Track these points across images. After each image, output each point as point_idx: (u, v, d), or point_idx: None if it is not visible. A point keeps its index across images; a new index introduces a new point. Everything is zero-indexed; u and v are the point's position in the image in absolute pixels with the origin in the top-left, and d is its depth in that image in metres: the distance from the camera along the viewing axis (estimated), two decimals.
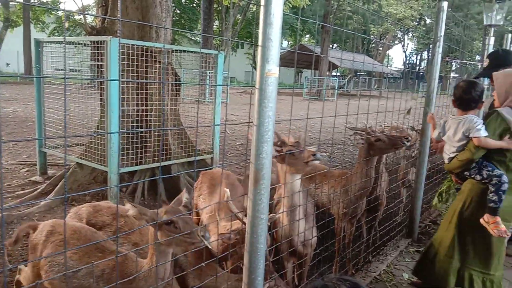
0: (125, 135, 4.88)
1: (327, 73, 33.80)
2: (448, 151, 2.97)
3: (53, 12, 31.44)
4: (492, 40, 8.78)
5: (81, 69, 7.33)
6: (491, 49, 6.78)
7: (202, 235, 1.97)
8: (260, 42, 1.82)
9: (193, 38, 38.01)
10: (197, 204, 3.41)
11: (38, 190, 5.35)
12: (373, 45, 55.31)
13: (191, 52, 5.84)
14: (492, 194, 2.69)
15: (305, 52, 29.46)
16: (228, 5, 28.98)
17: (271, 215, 2.34)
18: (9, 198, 5.11)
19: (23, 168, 6.55)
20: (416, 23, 50.05)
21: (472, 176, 2.80)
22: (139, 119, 5.06)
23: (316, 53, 30.12)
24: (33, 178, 5.90)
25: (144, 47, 4.87)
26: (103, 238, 2.25)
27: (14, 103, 15.59)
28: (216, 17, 36.04)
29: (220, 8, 34.81)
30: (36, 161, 6.10)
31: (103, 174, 5.34)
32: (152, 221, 1.97)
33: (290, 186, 2.64)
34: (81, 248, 2.09)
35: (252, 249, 1.97)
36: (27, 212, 4.73)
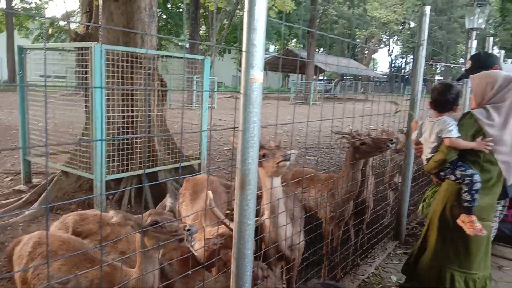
0: (111, 142, 4.84)
1: (314, 77, 34.00)
2: (426, 152, 3.02)
3: (37, 18, 31.10)
4: (474, 43, 8.94)
5: (66, 75, 7.25)
6: (473, 52, 6.90)
7: (188, 229, 1.97)
8: (244, 48, 1.82)
9: (179, 44, 37.94)
10: (180, 212, 3.39)
11: (23, 199, 5.26)
12: (359, 49, 55.88)
13: (177, 57, 5.83)
14: (466, 193, 2.73)
15: (290, 57, 29.58)
16: (215, 10, 29.00)
17: (256, 218, 2.34)
18: None
19: (7, 177, 6.44)
20: (401, 27, 50.78)
21: (447, 176, 2.85)
22: (125, 125, 5.01)
23: (302, 57, 30.29)
24: (17, 187, 5.80)
25: (130, 53, 4.84)
26: (97, 251, 2.21)
27: None
28: (203, 22, 36.05)
29: (207, 13, 34.83)
30: (20, 170, 6.00)
31: (88, 182, 5.27)
32: (137, 226, 1.95)
33: (270, 191, 2.64)
34: (69, 260, 2.05)
35: (240, 255, 1.95)
36: (12, 221, 4.65)
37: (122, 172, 4.88)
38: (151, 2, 5.26)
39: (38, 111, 5.51)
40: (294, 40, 55.97)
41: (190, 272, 2.03)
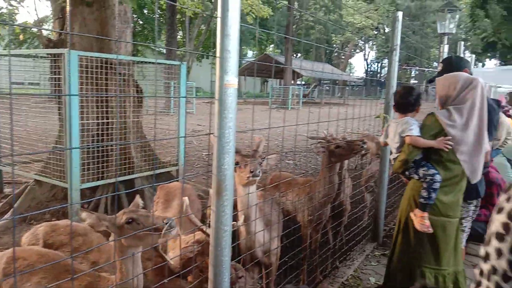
0: (86, 150, 4.74)
1: (292, 82, 34.28)
2: (392, 153, 3.11)
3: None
4: (446, 47, 9.18)
5: (40, 82, 7.09)
6: (446, 56, 7.10)
7: (166, 222, 1.94)
8: (218, 54, 1.82)
9: (156, 49, 37.69)
10: None
11: None
12: (336, 54, 56.66)
13: (151, 63, 5.77)
14: (424, 190, 2.81)
15: (266, 63, 29.76)
16: (192, 16, 28.97)
17: (232, 223, 2.33)
18: None
19: None
20: (376, 32, 51.76)
21: (412, 175, 2.94)
22: (100, 132, 4.93)
23: (278, 63, 30.50)
24: None
25: (104, 59, 4.77)
26: (74, 262, 2.15)
27: None
28: (180, 27, 35.92)
29: (184, 19, 34.74)
30: None
31: (63, 191, 5.15)
32: (112, 226, 1.93)
33: (243, 198, 2.63)
34: (49, 273, 1.99)
35: (217, 262, 1.94)
36: None
37: (98, 180, 4.79)
38: (125, 8, 5.21)
39: (9, 119, 5.35)
40: (272, 46, 56.36)
41: (166, 281, 2.00)
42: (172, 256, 2.31)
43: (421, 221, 2.82)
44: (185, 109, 5.53)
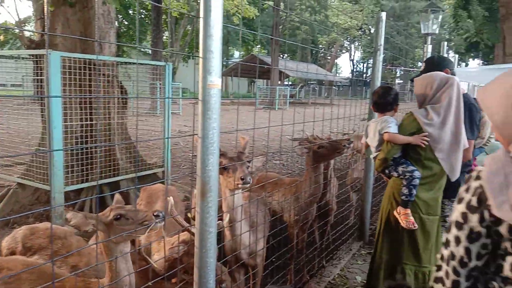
0: (69, 152, 4.68)
1: (279, 83, 34.33)
2: (372, 152, 3.15)
3: None
4: (429, 47, 9.29)
5: (23, 84, 6.97)
6: (429, 56, 7.17)
7: (156, 215, 1.95)
8: (201, 54, 1.81)
9: (142, 50, 37.39)
10: None
11: None
12: (322, 54, 56.96)
13: (135, 64, 5.73)
14: (404, 187, 2.85)
15: (251, 63, 29.75)
16: (178, 16, 28.83)
17: (218, 222, 2.32)
18: None
19: None
20: (361, 32, 52.20)
21: (391, 173, 2.98)
22: (84, 134, 4.86)
23: (262, 63, 30.53)
24: None
25: (88, 60, 4.71)
26: (61, 271, 2.10)
27: None
28: (166, 28, 35.68)
29: (170, 19, 34.52)
30: None
31: (47, 194, 5.07)
32: (99, 223, 1.92)
33: (228, 200, 2.62)
34: (37, 281, 1.95)
35: (202, 264, 1.93)
36: None
37: (82, 182, 4.73)
38: (109, 8, 5.15)
39: None
40: (258, 46, 56.39)
41: (150, 283, 1.98)
42: (157, 258, 2.29)
43: (405, 218, 2.85)
44: (170, 110, 5.48)
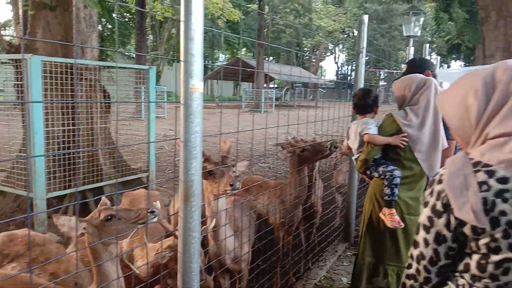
0: (51, 158, 4.60)
1: (265, 85, 34.38)
2: (354, 154, 3.18)
3: None
4: (412, 50, 9.43)
5: (3, 89, 6.84)
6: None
7: (151, 211, 1.94)
8: (182, 58, 1.80)
9: (126, 53, 37.08)
10: None
11: None
12: (307, 57, 57.32)
13: (116, 67, 5.67)
14: (386, 187, 2.88)
15: (233, 66, 29.79)
16: (162, 20, 28.67)
17: (204, 227, 2.30)
18: None
19: None
20: (345, 35, 52.70)
21: (372, 174, 3.01)
22: (66, 140, 4.79)
23: (244, 67, 30.58)
24: None
25: (69, 64, 4.64)
26: (39, 280, 2.05)
27: None
28: (150, 31, 35.46)
29: (154, 22, 34.33)
30: None
31: (28, 201, 4.98)
32: (90, 227, 1.91)
33: (212, 205, 2.60)
34: None
35: (186, 269, 1.91)
36: None
37: (65, 188, 4.65)
38: (90, 12, 5.10)
39: None
40: (244, 49, 56.46)
41: None
42: (141, 264, 2.26)
43: (390, 217, 2.87)
44: (154, 114, 5.44)
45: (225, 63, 41.60)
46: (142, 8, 18.80)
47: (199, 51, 1.81)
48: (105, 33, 34.39)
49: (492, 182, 1.02)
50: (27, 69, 4.06)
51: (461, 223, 1.06)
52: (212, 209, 2.59)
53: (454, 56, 44.31)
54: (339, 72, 68.03)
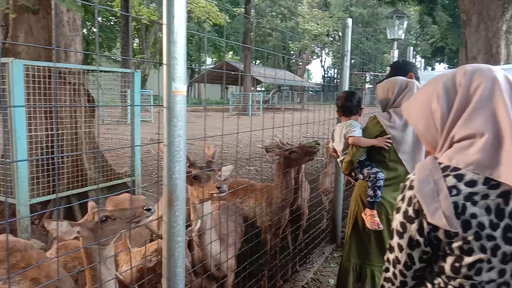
0: (35, 163, 4.53)
1: (252, 89, 34.40)
2: (339, 156, 3.20)
3: None
4: (396, 52, 9.53)
5: None
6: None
7: (147, 209, 1.95)
8: (165, 61, 1.79)
9: (112, 57, 36.80)
10: None
11: None
12: (294, 60, 57.52)
13: (98, 71, 5.62)
14: (369, 189, 2.91)
15: (219, 70, 29.80)
16: (148, 23, 28.53)
17: (189, 229, 2.29)
18: None
19: None
20: (331, 39, 53.07)
21: (357, 175, 3.04)
22: (50, 144, 4.72)
23: (238, 70, 30.60)
24: None
25: (52, 68, 4.59)
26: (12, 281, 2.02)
27: None
28: (136, 35, 35.28)
29: (140, 26, 34.18)
30: None
31: (11, 207, 4.88)
32: (84, 229, 1.89)
33: (197, 211, 2.58)
34: None
35: (170, 274, 1.89)
36: None
37: (49, 194, 4.58)
38: (74, 15, 5.04)
39: None
40: (231, 53, 56.47)
41: None
42: (126, 269, 2.23)
43: (371, 219, 2.90)
44: (139, 118, 5.40)
45: (211, 66, 41.51)
46: (127, 12, 18.68)
47: (182, 54, 1.81)
48: (90, 37, 34.08)
49: (461, 186, 1.04)
50: (9, 73, 4.00)
51: (434, 228, 1.08)
52: (198, 215, 2.57)
53: (438, 58, 45.02)
54: (326, 75, 68.47)
